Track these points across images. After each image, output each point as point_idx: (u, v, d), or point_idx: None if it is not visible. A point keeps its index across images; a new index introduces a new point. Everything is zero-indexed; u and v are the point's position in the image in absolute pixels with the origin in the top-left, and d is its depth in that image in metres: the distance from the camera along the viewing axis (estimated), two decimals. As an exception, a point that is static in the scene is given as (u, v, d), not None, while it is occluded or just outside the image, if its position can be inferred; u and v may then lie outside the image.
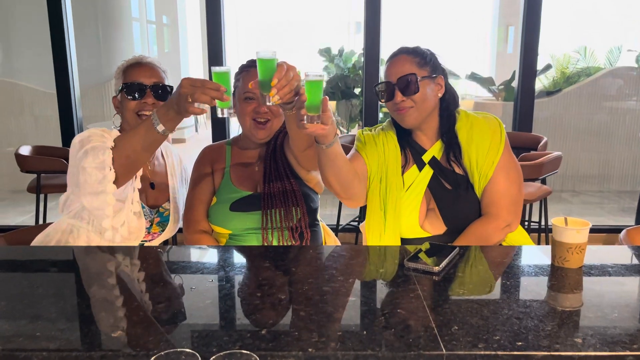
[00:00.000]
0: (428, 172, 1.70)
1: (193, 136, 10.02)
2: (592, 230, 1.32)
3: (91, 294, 1.18)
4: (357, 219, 4.28)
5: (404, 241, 1.71)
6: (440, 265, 1.25)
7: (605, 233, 4.19)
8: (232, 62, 3.84)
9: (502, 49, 11.39)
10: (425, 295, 1.13)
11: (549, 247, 1.34)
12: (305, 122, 1.30)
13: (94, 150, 1.52)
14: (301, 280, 1.23)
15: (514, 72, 4.57)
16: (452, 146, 1.69)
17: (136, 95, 1.65)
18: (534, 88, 4.05)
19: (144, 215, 1.69)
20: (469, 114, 1.74)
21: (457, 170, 1.68)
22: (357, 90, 6.71)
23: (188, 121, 7.88)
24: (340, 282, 1.21)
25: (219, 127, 3.99)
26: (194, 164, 1.87)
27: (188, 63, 10.42)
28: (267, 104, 1.27)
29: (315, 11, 13.09)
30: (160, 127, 1.42)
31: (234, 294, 1.17)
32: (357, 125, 6.79)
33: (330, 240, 1.93)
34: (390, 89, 1.64)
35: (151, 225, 1.73)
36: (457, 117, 1.73)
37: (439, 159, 1.71)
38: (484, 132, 1.68)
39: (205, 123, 11.18)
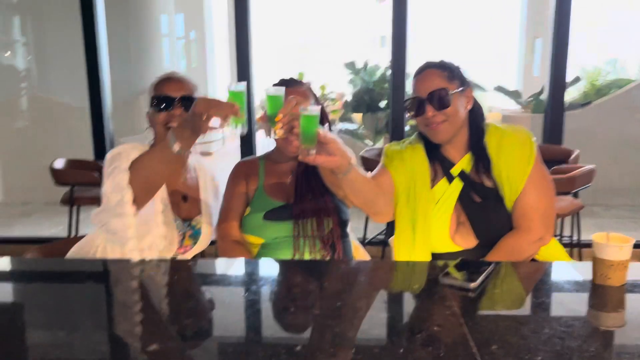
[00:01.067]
0: (458, 185, 1.68)
1: (220, 149, 10.13)
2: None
3: (125, 307, 1.19)
4: (384, 232, 4.25)
5: (435, 256, 1.69)
6: (477, 282, 1.23)
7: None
8: (259, 76, 3.87)
9: (528, 61, 11.28)
10: (461, 312, 1.11)
11: (587, 263, 1.30)
12: (300, 153, 1.35)
13: (114, 172, 1.54)
14: (334, 295, 1.22)
15: (543, 85, 4.52)
16: (482, 159, 1.67)
17: (164, 106, 1.67)
18: (563, 100, 4.00)
19: (177, 227, 1.70)
20: (498, 126, 1.72)
21: (487, 183, 1.66)
22: (382, 103, 6.70)
23: (216, 135, 7.96)
24: (374, 298, 1.19)
25: (247, 140, 4.02)
26: (229, 178, 1.89)
27: (215, 77, 10.55)
28: (271, 137, 1.35)
29: (340, 25, 13.16)
30: (176, 147, 1.43)
31: (267, 308, 1.16)
32: (383, 138, 6.77)
33: (359, 254, 1.92)
34: (420, 104, 1.63)
35: (183, 238, 1.74)
36: (485, 129, 1.71)
37: (468, 172, 1.69)
38: (514, 145, 1.66)
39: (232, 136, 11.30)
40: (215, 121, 1.34)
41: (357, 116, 7.16)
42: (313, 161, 1.36)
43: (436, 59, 1.69)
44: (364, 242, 3.99)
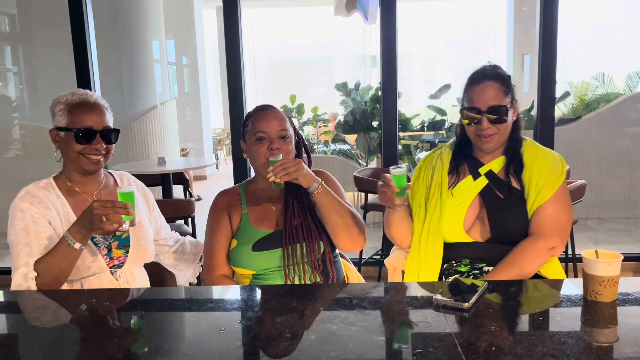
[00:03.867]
0: (482, 181, 1.77)
1: (214, 173, 10.13)
2: (624, 259, 1.30)
3: (121, 336, 1.19)
4: (379, 252, 4.25)
5: (447, 245, 1.76)
6: (470, 302, 1.24)
7: (634, 261, 4.10)
8: (250, 98, 3.89)
9: (518, 78, 11.40)
10: (456, 333, 1.12)
11: (580, 279, 1.32)
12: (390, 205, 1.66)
13: (13, 254, 1.62)
14: (330, 319, 1.22)
15: (533, 101, 4.57)
16: (514, 162, 1.76)
17: (85, 140, 1.70)
18: (553, 116, 4.04)
19: (97, 244, 1.74)
20: (535, 143, 1.82)
21: (514, 184, 1.74)
22: (375, 123, 6.74)
23: (209, 160, 7.96)
24: (369, 321, 1.20)
25: (240, 163, 4.03)
26: (210, 209, 1.88)
27: (208, 101, 10.57)
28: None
29: (331, 46, 13.28)
30: (77, 245, 1.56)
31: (263, 334, 1.16)
32: (375, 158, 6.80)
33: (352, 274, 1.91)
34: (478, 115, 1.69)
35: (110, 250, 1.77)
36: (522, 140, 1.80)
37: (496, 172, 1.77)
38: (549, 160, 1.75)
39: (225, 160, 11.31)
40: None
41: (350, 137, 7.20)
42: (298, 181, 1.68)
43: (489, 65, 1.77)
44: (360, 262, 3.99)
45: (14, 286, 1.56)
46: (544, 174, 1.72)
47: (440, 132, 6.96)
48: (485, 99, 1.68)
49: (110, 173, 1.92)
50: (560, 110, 6.77)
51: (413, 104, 10.94)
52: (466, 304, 1.23)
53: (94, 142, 1.71)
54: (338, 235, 1.72)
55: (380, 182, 1.64)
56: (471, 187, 1.77)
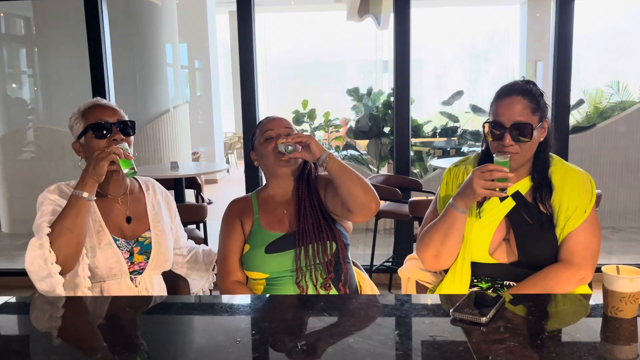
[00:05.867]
0: (509, 203, 1.71)
1: (225, 177, 10.16)
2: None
3: (133, 345, 1.18)
4: (391, 259, 4.23)
5: (474, 265, 1.72)
6: (488, 316, 1.22)
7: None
8: (262, 102, 3.89)
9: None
10: (474, 348, 1.10)
11: (600, 294, 1.30)
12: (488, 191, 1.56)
13: (36, 234, 1.62)
14: (345, 332, 1.22)
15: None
16: (542, 186, 1.70)
17: (104, 133, 1.72)
18: (568, 123, 4.01)
19: (120, 247, 1.77)
20: (564, 162, 1.76)
21: (543, 209, 1.69)
22: (386, 129, 6.72)
23: (221, 164, 7.97)
24: (385, 335, 1.18)
25: (252, 167, 4.03)
26: (223, 217, 1.90)
27: (220, 104, 10.63)
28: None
29: (343, 51, 13.29)
30: (85, 194, 1.61)
31: (279, 346, 1.16)
32: (387, 164, 6.78)
33: (365, 284, 1.91)
34: (501, 130, 1.64)
35: (131, 255, 1.79)
36: (550, 160, 1.74)
37: (523, 193, 1.72)
38: (579, 183, 1.70)
39: (236, 163, 11.34)
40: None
41: (362, 142, 7.18)
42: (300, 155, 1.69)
43: (521, 79, 1.71)
44: (371, 269, 3.98)
45: (28, 260, 1.57)
46: (574, 199, 1.66)
47: (452, 138, 6.92)
48: (511, 114, 1.62)
49: (136, 178, 1.94)
50: (575, 118, 6.72)
51: (424, 110, 10.90)
52: (484, 318, 1.21)
53: (112, 134, 1.73)
54: (355, 194, 1.66)
55: (485, 169, 1.55)
56: (498, 208, 1.71)
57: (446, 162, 4.77)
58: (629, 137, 5.76)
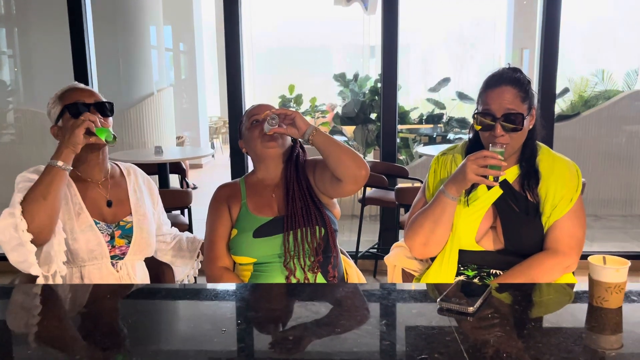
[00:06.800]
0: (497, 191, 1.71)
1: (210, 161, 10.09)
2: (621, 257, 1.28)
3: (115, 335, 1.17)
4: (376, 246, 4.24)
5: (461, 253, 1.72)
6: (475, 306, 1.22)
7: (631, 259, 4.10)
8: (249, 86, 3.85)
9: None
10: (461, 338, 1.10)
11: (582, 283, 1.30)
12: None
13: (10, 206, 1.59)
14: (332, 322, 1.21)
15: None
16: (530, 175, 1.70)
17: (81, 113, 1.69)
18: (553, 112, 4.02)
19: (100, 230, 1.75)
20: (551, 150, 1.76)
21: (530, 197, 1.69)
22: (373, 116, 6.70)
23: (206, 149, 7.91)
24: (372, 325, 1.18)
25: (238, 152, 3.99)
26: (210, 202, 1.89)
27: (205, 88, 10.52)
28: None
29: (330, 36, 13.20)
30: (60, 163, 1.59)
31: (265, 337, 1.15)
32: (373, 150, 6.77)
33: (352, 272, 1.91)
34: (492, 120, 1.63)
35: (112, 238, 1.78)
36: (538, 149, 1.74)
37: (510, 182, 1.72)
38: (565, 173, 1.70)
39: (222, 148, 11.27)
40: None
41: (348, 128, 7.16)
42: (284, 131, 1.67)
43: (506, 66, 1.69)
44: (356, 256, 3.98)
45: None
46: (560, 188, 1.67)
47: (439, 125, 6.93)
48: (501, 104, 1.61)
49: (116, 164, 1.93)
50: (559, 106, 6.75)
51: (411, 96, 10.89)
52: (471, 307, 1.21)
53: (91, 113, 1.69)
54: (344, 163, 1.66)
55: (479, 155, 1.55)
56: (485, 196, 1.71)
57: (432, 150, 4.77)
58: (613, 126, 5.81)
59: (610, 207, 5.70)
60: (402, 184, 4.27)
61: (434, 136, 6.78)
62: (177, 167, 4.46)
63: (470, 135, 1.79)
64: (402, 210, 3.82)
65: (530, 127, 1.69)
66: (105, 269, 1.75)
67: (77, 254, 1.71)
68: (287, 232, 1.74)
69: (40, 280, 1.61)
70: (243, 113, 1.94)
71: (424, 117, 7.13)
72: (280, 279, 1.73)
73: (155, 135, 6.60)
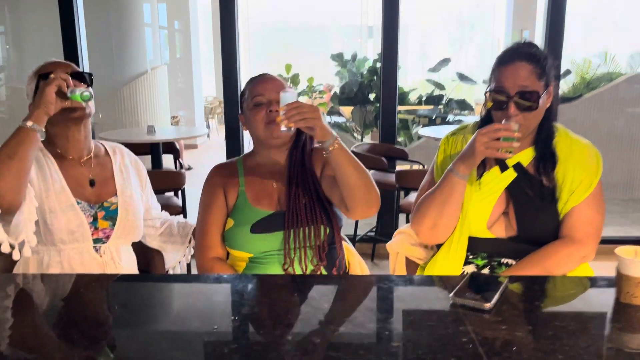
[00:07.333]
0: (510, 175, 1.59)
1: (205, 142, 9.94)
2: (620, 241, 1.18)
3: (95, 332, 1.06)
4: (374, 229, 4.15)
5: (471, 240, 1.61)
6: (492, 302, 1.11)
7: (631, 244, 4.02)
8: (244, 65, 3.74)
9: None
10: (479, 339, 0.99)
11: (611, 276, 1.20)
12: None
13: None
14: (336, 320, 1.10)
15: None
16: (546, 157, 1.58)
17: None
18: (558, 94, 3.90)
19: (82, 210, 1.66)
20: (569, 132, 1.64)
21: (545, 182, 1.57)
22: (371, 96, 6.57)
23: (200, 129, 7.78)
24: (380, 323, 1.07)
25: (233, 132, 3.90)
26: (204, 185, 1.73)
27: (200, 67, 10.33)
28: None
29: (327, 15, 12.98)
30: (29, 123, 1.48)
31: (261, 335, 1.04)
32: (371, 131, 6.65)
33: (354, 261, 1.77)
34: (504, 99, 1.50)
35: (95, 220, 1.68)
36: (554, 130, 1.61)
37: (525, 165, 1.60)
38: (584, 155, 1.58)
39: (217, 128, 11.11)
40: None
41: (346, 109, 7.03)
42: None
43: (522, 42, 1.56)
44: (354, 239, 3.89)
45: None
46: (579, 172, 1.55)
47: (438, 107, 6.80)
48: (515, 81, 1.48)
49: (101, 143, 1.83)
50: (561, 88, 6.63)
51: (409, 77, 10.74)
52: (487, 304, 1.10)
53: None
54: (355, 196, 1.49)
55: (490, 128, 1.43)
56: (498, 180, 1.59)
57: (433, 131, 4.66)
58: (615, 108, 5.70)
59: (611, 190, 5.61)
60: (400, 165, 4.17)
61: (434, 117, 6.65)
62: (170, 148, 4.34)
63: (483, 114, 1.67)
64: (402, 193, 3.72)
65: (547, 106, 1.56)
66: (87, 254, 1.64)
67: (56, 234, 1.61)
68: (287, 230, 1.58)
69: (15, 257, 1.52)
70: (239, 92, 1.77)
71: (423, 99, 7.00)
72: (278, 273, 1.59)
73: (148, 115, 6.45)
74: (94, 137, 1.84)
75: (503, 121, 1.47)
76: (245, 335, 1.05)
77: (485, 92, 1.57)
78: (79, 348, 0.99)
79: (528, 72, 1.49)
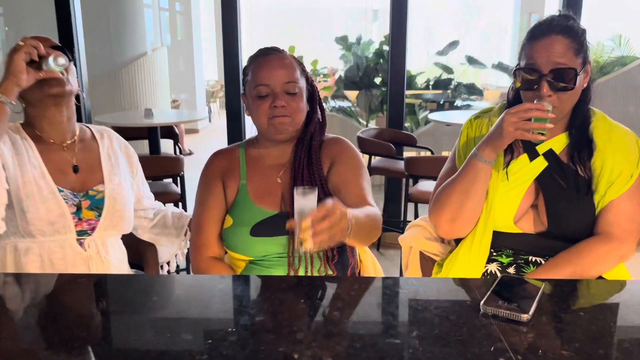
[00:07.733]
0: (541, 163, 1.42)
1: (207, 127, 9.78)
2: None
3: (70, 345, 0.91)
4: (380, 219, 4.00)
5: (495, 235, 1.45)
6: (529, 312, 0.96)
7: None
8: (246, 48, 3.60)
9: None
10: (517, 358, 0.84)
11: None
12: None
13: None
14: (349, 332, 0.95)
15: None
16: (582, 145, 1.41)
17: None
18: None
19: (65, 199, 1.51)
20: (607, 117, 1.46)
21: (580, 171, 1.40)
22: (377, 80, 6.38)
23: (201, 113, 7.61)
24: (401, 337, 0.92)
25: (234, 117, 3.78)
26: (201, 174, 1.56)
27: (201, 50, 10.13)
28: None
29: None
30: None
31: (266, 352, 0.89)
32: (377, 117, 6.47)
33: (366, 258, 1.61)
34: (536, 78, 1.33)
35: (79, 209, 1.53)
36: (591, 114, 1.44)
37: (557, 153, 1.43)
38: (624, 142, 1.41)
39: (219, 112, 10.93)
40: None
41: (351, 93, 6.84)
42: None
43: (558, 15, 1.38)
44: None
45: None
46: (619, 162, 1.38)
47: (447, 91, 6.61)
48: (549, 57, 1.31)
49: (87, 127, 1.68)
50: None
51: (414, 61, 10.52)
52: (525, 315, 0.95)
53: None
54: (363, 244, 1.44)
55: (520, 108, 1.29)
56: (527, 169, 1.43)
57: (442, 116, 4.50)
58: (628, 93, 5.53)
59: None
60: (407, 152, 4.01)
61: (441, 102, 6.47)
62: (169, 132, 4.18)
63: (510, 96, 1.50)
64: (411, 181, 3.57)
65: (585, 86, 1.39)
66: (70, 248, 1.50)
67: (36, 225, 1.46)
68: (293, 235, 1.39)
69: None
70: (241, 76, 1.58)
71: (431, 83, 6.81)
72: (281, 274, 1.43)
73: (148, 98, 6.28)
74: (89, 121, 1.70)
75: (535, 101, 1.31)
76: (244, 352, 0.90)
77: (514, 71, 1.40)
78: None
79: (564, 48, 1.32)
